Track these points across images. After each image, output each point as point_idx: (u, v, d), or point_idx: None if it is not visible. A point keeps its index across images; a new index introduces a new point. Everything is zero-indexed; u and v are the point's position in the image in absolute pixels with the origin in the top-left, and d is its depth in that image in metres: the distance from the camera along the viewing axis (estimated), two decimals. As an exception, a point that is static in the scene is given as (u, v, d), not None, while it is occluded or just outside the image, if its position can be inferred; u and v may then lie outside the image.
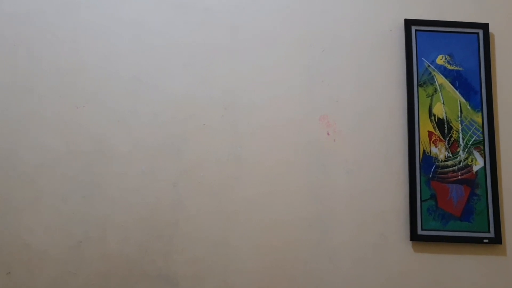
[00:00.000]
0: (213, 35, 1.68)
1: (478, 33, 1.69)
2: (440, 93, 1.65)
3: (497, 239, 1.55)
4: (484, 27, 1.69)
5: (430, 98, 1.64)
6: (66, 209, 1.55)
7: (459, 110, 1.64)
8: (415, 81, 1.65)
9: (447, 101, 1.64)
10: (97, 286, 1.52)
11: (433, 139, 1.62)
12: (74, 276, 1.52)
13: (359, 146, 1.63)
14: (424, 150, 1.61)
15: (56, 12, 1.67)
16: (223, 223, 1.56)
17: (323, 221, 1.57)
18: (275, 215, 1.57)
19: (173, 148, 1.60)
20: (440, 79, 1.66)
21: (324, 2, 1.72)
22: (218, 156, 1.60)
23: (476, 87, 1.65)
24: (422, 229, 1.56)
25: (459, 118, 1.64)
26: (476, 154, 1.61)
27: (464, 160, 1.61)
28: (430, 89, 1.65)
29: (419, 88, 1.65)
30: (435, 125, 1.63)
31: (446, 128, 1.63)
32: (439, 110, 1.64)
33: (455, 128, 1.63)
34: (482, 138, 1.62)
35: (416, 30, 1.68)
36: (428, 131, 1.62)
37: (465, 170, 1.60)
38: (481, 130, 1.63)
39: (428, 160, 1.60)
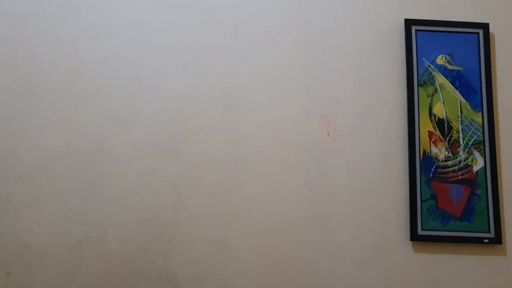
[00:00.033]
0: (213, 35, 1.68)
1: (478, 33, 1.69)
2: (440, 93, 1.65)
3: (497, 239, 1.55)
4: (485, 27, 1.69)
5: (430, 98, 1.64)
6: (66, 209, 1.55)
7: (459, 110, 1.64)
8: (415, 81, 1.65)
9: (447, 101, 1.64)
10: (97, 286, 1.51)
11: (433, 139, 1.62)
12: (74, 276, 1.52)
13: (359, 146, 1.62)
14: (424, 150, 1.61)
15: (56, 12, 1.67)
16: (223, 223, 1.56)
17: (323, 221, 1.57)
18: (275, 215, 1.57)
19: (173, 148, 1.60)
20: (440, 79, 1.66)
21: (324, 2, 1.72)
22: (218, 156, 1.60)
23: (476, 87, 1.65)
24: (422, 229, 1.56)
25: (459, 118, 1.63)
26: (476, 154, 1.61)
27: (464, 160, 1.61)
28: (430, 89, 1.65)
29: (419, 88, 1.65)
30: (435, 125, 1.63)
31: (446, 128, 1.63)
32: (439, 110, 1.64)
33: (455, 128, 1.63)
34: (482, 138, 1.62)
35: (416, 30, 1.68)
36: (428, 131, 1.62)
37: (465, 170, 1.60)
38: (481, 130, 1.63)
39: (428, 160, 1.60)
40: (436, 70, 1.66)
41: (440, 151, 1.61)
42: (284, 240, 1.56)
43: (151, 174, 1.58)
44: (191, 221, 1.56)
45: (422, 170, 1.59)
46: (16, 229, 1.54)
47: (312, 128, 1.63)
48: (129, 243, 1.54)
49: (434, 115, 1.63)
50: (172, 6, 1.70)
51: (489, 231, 1.56)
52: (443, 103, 1.64)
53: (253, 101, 1.64)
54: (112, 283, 1.52)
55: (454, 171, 1.60)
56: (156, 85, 1.64)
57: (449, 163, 1.60)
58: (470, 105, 1.64)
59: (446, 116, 1.63)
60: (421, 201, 1.57)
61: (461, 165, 1.60)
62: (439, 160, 1.60)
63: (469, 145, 1.62)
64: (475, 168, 1.60)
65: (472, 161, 1.61)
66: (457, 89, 1.65)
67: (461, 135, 1.62)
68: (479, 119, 1.63)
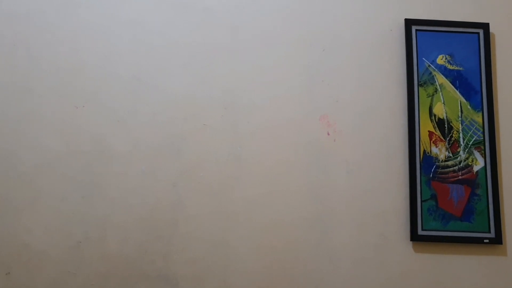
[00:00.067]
0: (213, 35, 1.68)
1: (478, 33, 1.68)
2: (440, 93, 1.64)
3: (498, 240, 1.55)
4: (485, 27, 1.68)
5: (430, 98, 1.64)
6: (66, 209, 1.55)
7: (460, 110, 1.64)
8: (415, 81, 1.65)
9: (447, 101, 1.64)
10: (96, 287, 1.51)
11: (433, 139, 1.62)
12: (73, 277, 1.52)
13: (359, 146, 1.62)
14: (424, 150, 1.61)
15: (56, 12, 1.67)
16: (223, 223, 1.56)
17: (323, 221, 1.57)
18: (275, 215, 1.57)
19: (173, 148, 1.60)
20: (440, 79, 1.65)
21: (324, 2, 1.72)
22: (218, 156, 1.60)
23: (477, 87, 1.65)
24: (422, 229, 1.56)
25: (460, 118, 1.63)
26: (477, 154, 1.61)
27: (465, 160, 1.61)
28: (430, 89, 1.65)
29: (420, 88, 1.65)
30: (436, 125, 1.62)
31: (446, 128, 1.62)
32: (440, 110, 1.63)
33: (455, 128, 1.62)
34: (482, 138, 1.62)
35: (416, 30, 1.68)
36: (429, 131, 1.62)
37: (466, 170, 1.60)
38: (481, 130, 1.62)
39: (429, 160, 1.60)
40: (436, 70, 1.66)
41: (440, 151, 1.61)
42: (284, 240, 1.56)
43: (151, 174, 1.58)
44: (190, 221, 1.56)
45: (422, 170, 1.59)
46: (16, 229, 1.53)
47: (312, 128, 1.63)
48: (129, 243, 1.54)
49: (434, 115, 1.63)
50: (172, 6, 1.70)
51: (489, 231, 1.56)
52: (443, 103, 1.64)
53: (253, 101, 1.64)
54: (112, 283, 1.51)
55: (454, 171, 1.60)
56: (156, 85, 1.64)
57: (449, 163, 1.60)
58: (470, 105, 1.64)
59: (446, 116, 1.63)
60: (421, 201, 1.57)
61: (461, 165, 1.60)
62: (439, 160, 1.60)
63: (469, 145, 1.61)
64: (475, 168, 1.60)
65: (472, 161, 1.60)
66: (457, 89, 1.65)
67: (461, 135, 1.62)
68: (479, 119, 1.63)
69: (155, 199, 1.57)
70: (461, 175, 1.59)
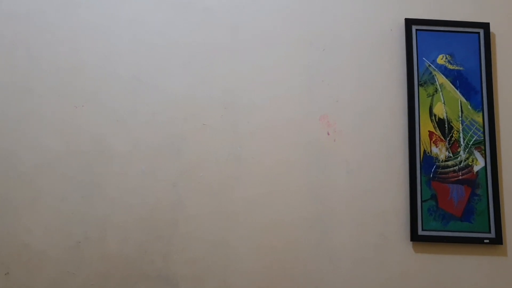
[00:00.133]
0: (213, 35, 1.68)
1: (479, 33, 1.68)
2: (440, 93, 1.64)
3: (498, 240, 1.55)
4: (485, 26, 1.68)
5: (430, 98, 1.64)
6: (66, 209, 1.55)
7: (460, 110, 1.64)
8: (415, 80, 1.65)
9: (447, 101, 1.64)
10: (96, 287, 1.51)
11: (433, 139, 1.62)
12: (73, 277, 1.52)
13: (359, 146, 1.62)
14: (424, 150, 1.61)
15: (56, 12, 1.67)
16: (223, 223, 1.56)
17: (323, 221, 1.57)
18: (275, 215, 1.57)
19: (172, 148, 1.60)
20: (440, 78, 1.65)
21: (324, 2, 1.72)
22: (218, 156, 1.60)
23: (477, 86, 1.65)
24: (422, 230, 1.55)
25: (460, 118, 1.63)
26: (477, 154, 1.61)
27: (465, 160, 1.60)
28: (430, 89, 1.65)
29: (420, 88, 1.64)
30: (436, 125, 1.62)
31: (446, 128, 1.62)
32: (440, 110, 1.63)
33: (455, 128, 1.62)
34: (482, 138, 1.62)
35: (416, 30, 1.68)
36: (429, 131, 1.62)
37: (466, 170, 1.60)
38: (481, 130, 1.62)
39: (429, 160, 1.60)
40: (436, 69, 1.66)
41: (440, 151, 1.61)
42: (284, 240, 1.56)
43: (151, 174, 1.58)
44: (190, 221, 1.56)
45: (422, 170, 1.59)
46: (16, 229, 1.53)
47: (312, 128, 1.63)
48: (128, 243, 1.54)
49: (435, 115, 1.63)
50: (172, 6, 1.70)
51: (489, 232, 1.56)
52: (444, 103, 1.64)
53: (253, 101, 1.64)
54: (111, 283, 1.51)
55: (454, 171, 1.59)
56: (156, 85, 1.64)
57: (450, 163, 1.60)
58: (470, 105, 1.64)
59: (447, 116, 1.63)
60: (422, 201, 1.57)
61: (461, 165, 1.60)
62: (439, 160, 1.60)
63: (469, 145, 1.61)
64: (476, 168, 1.60)
65: (472, 161, 1.60)
66: (457, 89, 1.65)
67: (461, 135, 1.62)
68: (480, 119, 1.63)
69: (155, 199, 1.56)
70: (461, 175, 1.59)
